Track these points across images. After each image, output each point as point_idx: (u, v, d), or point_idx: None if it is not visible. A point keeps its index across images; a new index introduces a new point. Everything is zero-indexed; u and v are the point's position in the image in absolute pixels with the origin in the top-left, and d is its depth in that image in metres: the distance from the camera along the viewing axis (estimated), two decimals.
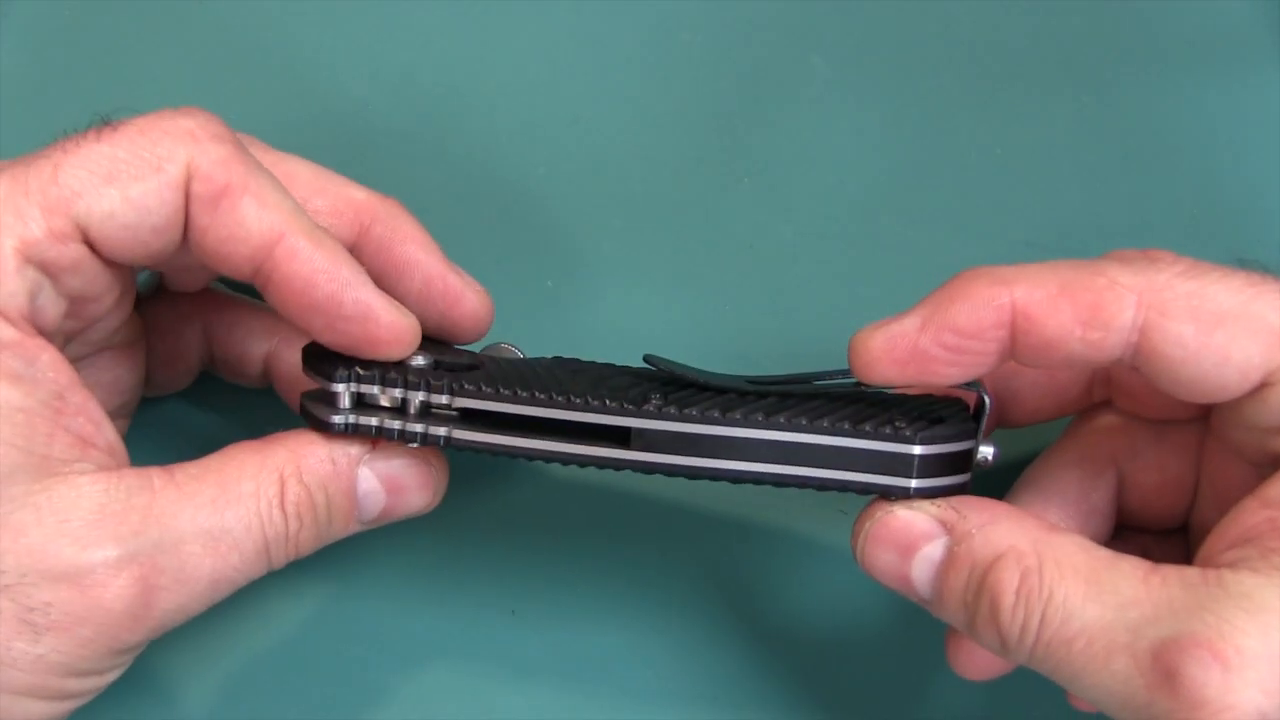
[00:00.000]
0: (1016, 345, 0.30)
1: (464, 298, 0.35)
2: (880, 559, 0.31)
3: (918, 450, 0.31)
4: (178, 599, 0.31)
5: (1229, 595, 0.27)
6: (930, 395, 0.34)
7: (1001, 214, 0.41)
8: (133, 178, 0.31)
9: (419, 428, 0.32)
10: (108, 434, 0.31)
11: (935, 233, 0.41)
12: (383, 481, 0.33)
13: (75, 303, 0.32)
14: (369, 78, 0.43)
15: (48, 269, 0.30)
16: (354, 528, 0.33)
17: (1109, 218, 0.41)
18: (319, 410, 0.33)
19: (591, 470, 0.36)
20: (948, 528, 0.31)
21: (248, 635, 0.38)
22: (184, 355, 0.37)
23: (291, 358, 0.36)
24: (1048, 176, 0.42)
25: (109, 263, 0.31)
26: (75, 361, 0.33)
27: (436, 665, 0.38)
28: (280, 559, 0.32)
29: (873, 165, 0.42)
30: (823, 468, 0.32)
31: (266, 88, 0.42)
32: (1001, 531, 0.30)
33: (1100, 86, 0.42)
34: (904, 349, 0.31)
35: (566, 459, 0.32)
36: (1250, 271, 0.30)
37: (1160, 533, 0.35)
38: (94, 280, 0.32)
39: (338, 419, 0.32)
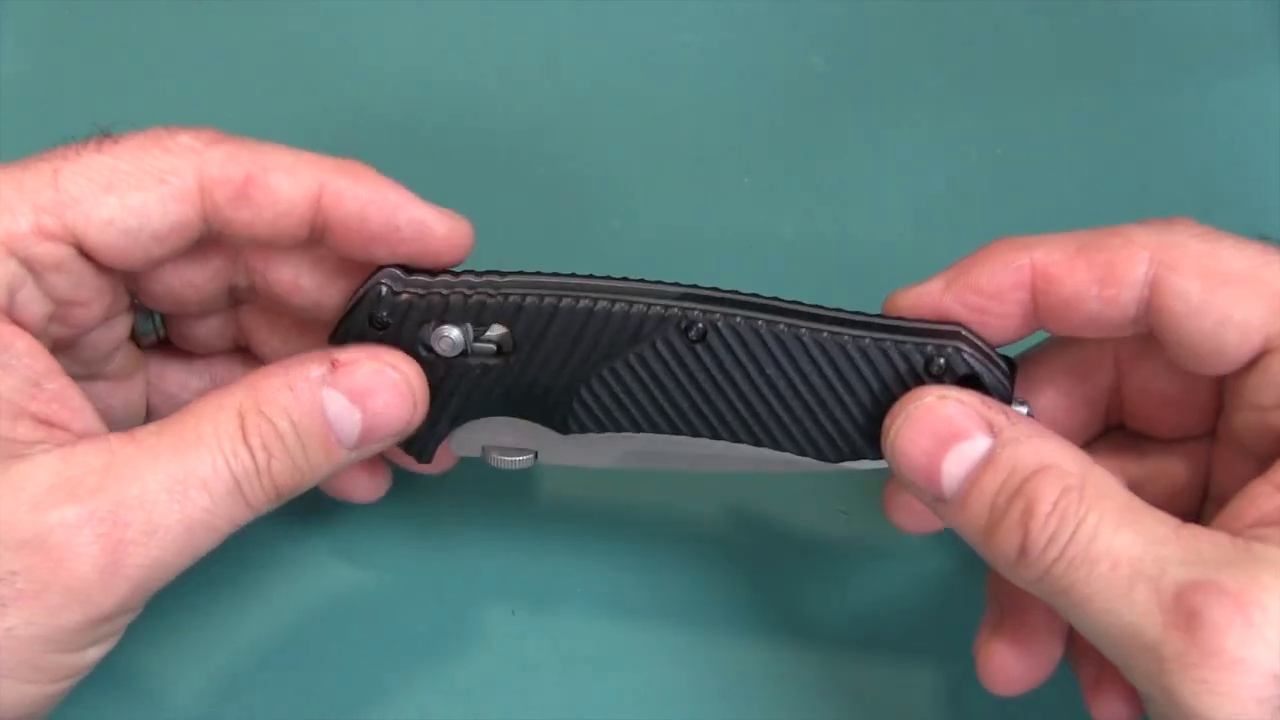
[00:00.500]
0: (1038, 307, 0.31)
1: (434, 224, 0.33)
2: (916, 444, 0.31)
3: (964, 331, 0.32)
4: (150, 551, 0.29)
5: (1257, 560, 0.27)
6: None
7: (1001, 214, 0.41)
8: (133, 186, 0.31)
9: (472, 279, 0.32)
10: (87, 420, 0.31)
11: (935, 232, 0.41)
12: (351, 398, 0.31)
13: (62, 307, 0.31)
14: (369, 78, 0.43)
15: (31, 265, 0.30)
16: (340, 454, 0.32)
17: (1109, 217, 0.41)
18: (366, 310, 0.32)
19: (593, 471, 0.36)
20: (995, 430, 0.30)
21: (243, 635, 0.38)
22: (187, 402, 0.37)
23: None
24: (1048, 176, 0.42)
25: (102, 268, 0.31)
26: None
27: (435, 665, 0.38)
28: (258, 497, 0.31)
29: (872, 165, 0.42)
30: (883, 333, 0.32)
31: (266, 88, 0.42)
32: (1049, 447, 0.30)
33: (1100, 86, 0.42)
34: (929, 307, 0.32)
35: (619, 299, 0.32)
36: (1268, 244, 0.31)
37: None
38: (82, 284, 0.31)
39: (387, 288, 0.32)
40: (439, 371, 0.33)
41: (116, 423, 0.35)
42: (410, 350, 0.33)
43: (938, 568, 0.38)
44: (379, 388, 0.32)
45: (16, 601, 0.28)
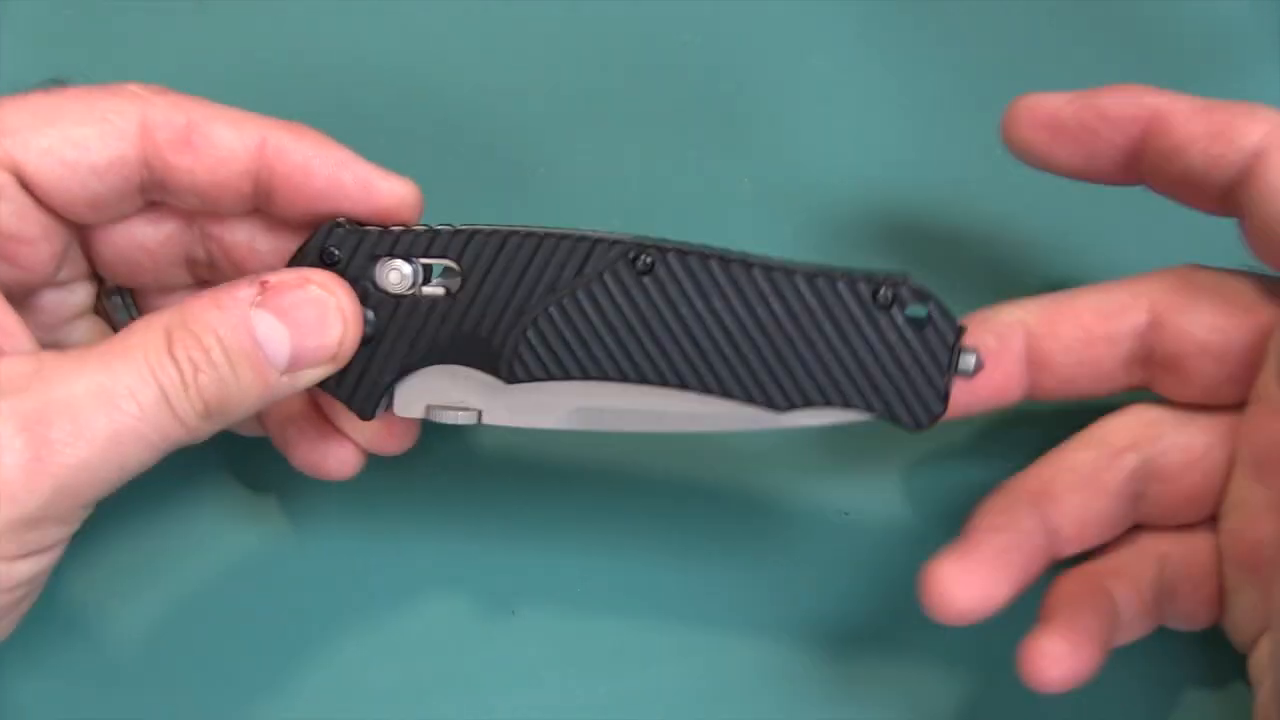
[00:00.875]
0: (1146, 150, 0.32)
1: (379, 182, 0.34)
2: None
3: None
4: (76, 451, 0.29)
5: None
6: None
7: (1000, 214, 0.41)
8: (75, 122, 0.31)
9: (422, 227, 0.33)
10: (22, 344, 0.31)
11: (935, 232, 0.41)
12: (280, 317, 0.31)
13: (5, 241, 0.32)
14: (369, 79, 0.43)
15: None
16: (271, 375, 0.31)
17: (1109, 216, 0.41)
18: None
19: (593, 469, 0.36)
20: None
21: (240, 636, 0.38)
22: None
23: (286, 407, 0.36)
24: (1047, 176, 0.42)
25: (47, 209, 0.32)
26: None
27: (435, 665, 0.38)
28: (187, 411, 0.31)
29: (872, 165, 0.42)
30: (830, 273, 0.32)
31: (266, 88, 0.42)
32: None
33: (1100, 86, 0.42)
34: (1046, 112, 0.34)
35: (572, 239, 0.33)
36: None
37: (1181, 530, 0.35)
38: (25, 217, 0.32)
39: (339, 226, 0.33)
40: (387, 310, 0.33)
41: None
42: (359, 288, 0.33)
43: None
44: (308, 307, 0.32)
45: None
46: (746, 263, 0.32)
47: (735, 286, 0.32)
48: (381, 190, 0.33)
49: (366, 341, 0.33)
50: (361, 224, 0.33)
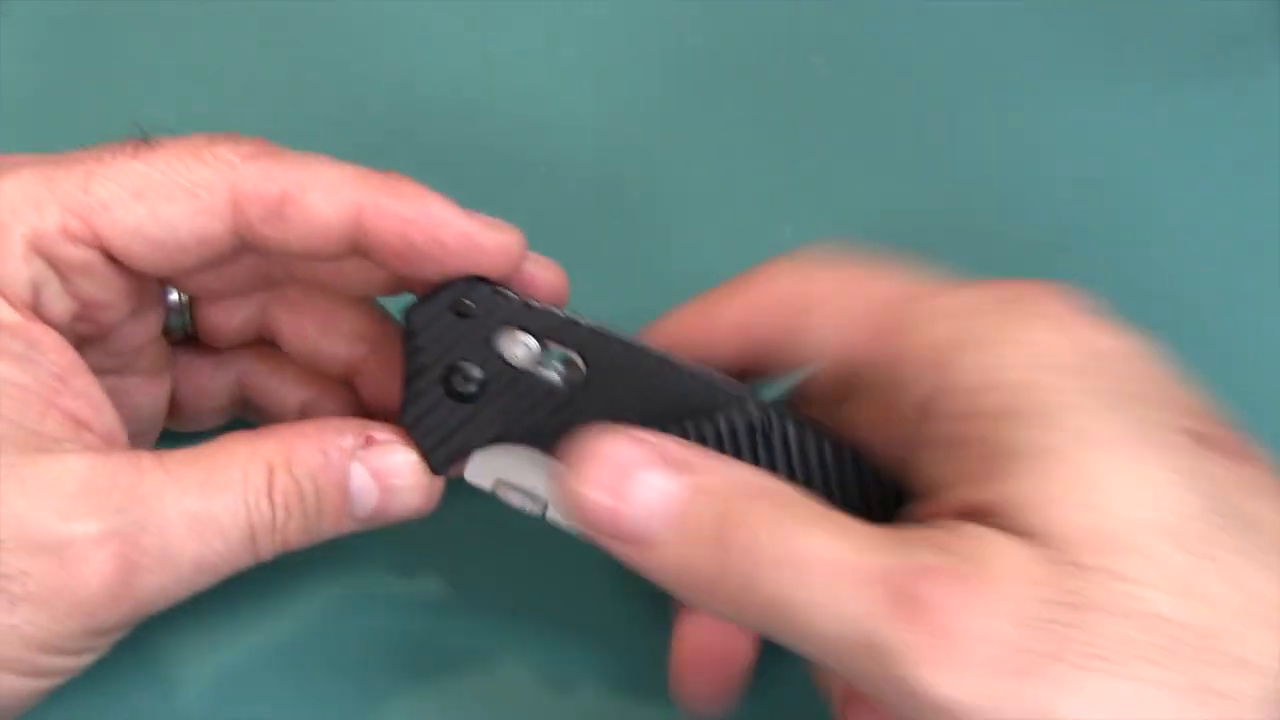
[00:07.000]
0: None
1: (481, 237, 0.32)
2: (597, 485, 0.29)
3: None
4: (160, 580, 0.30)
5: (963, 535, 0.26)
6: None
7: (1001, 214, 0.41)
8: (164, 197, 0.31)
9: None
10: (107, 420, 0.31)
11: (934, 232, 0.41)
12: (376, 478, 0.32)
13: (87, 307, 0.32)
14: (371, 79, 0.43)
15: (56, 265, 0.31)
16: (346, 524, 0.32)
17: (1111, 218, 0.41)
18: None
19: None
20: (675, 460, 0.29)
21: (244, 632, 0.38)
22: (213, 395, 0.37)
23: (329, 408, 0.36)
24: (1048, 176, 0.42)
25: (130, 272, 0.32)
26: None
27: (434, 665, 0.38)
28: (267, 549, 0.31)
29: (872, 165, 0.42)
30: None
31: (267, 88, 0.43)
32: (735, 469, 0.29)
33: (1100, 86, 0.43)
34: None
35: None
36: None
37: None
38: (108, 287, 0.32)
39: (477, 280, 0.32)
40: (498, 378, 0.32)
41: (142, 418, 0.35)
42: (481, 348, 0.32)
43: None
44: (404, 475, 0.32)
45: (25, 601, 0.29)
46: None
47: None
48: (484, 247, 0.32)
49: (467, 399, 0.32)
50: (499, 286, 0.32)
